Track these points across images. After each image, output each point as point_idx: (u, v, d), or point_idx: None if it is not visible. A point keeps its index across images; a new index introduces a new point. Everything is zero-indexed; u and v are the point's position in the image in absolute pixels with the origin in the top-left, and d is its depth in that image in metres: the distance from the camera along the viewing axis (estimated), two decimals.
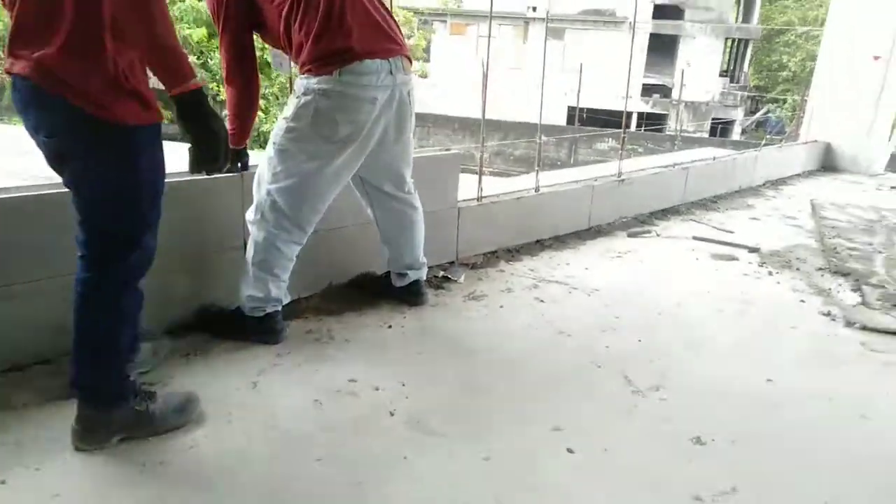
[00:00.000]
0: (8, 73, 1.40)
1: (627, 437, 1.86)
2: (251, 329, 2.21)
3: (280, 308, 2.25)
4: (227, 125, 2.04)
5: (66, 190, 1.53)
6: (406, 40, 2.25)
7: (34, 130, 1.46)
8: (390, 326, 2.41)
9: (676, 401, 2.05)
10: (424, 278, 2.63)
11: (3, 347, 1.86)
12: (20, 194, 1.85)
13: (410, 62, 2.23)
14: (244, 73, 2.12)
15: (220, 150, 1.51)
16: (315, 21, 2.00)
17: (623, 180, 3.91)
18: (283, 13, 2.03)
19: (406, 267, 2.54)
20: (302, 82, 2.05)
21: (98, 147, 1.44)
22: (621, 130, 4.20)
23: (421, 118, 18.25)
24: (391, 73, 2.11)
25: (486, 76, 3.25)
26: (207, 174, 1.60)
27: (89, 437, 1.61)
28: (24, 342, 1.89)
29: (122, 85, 1.41)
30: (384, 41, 2.12)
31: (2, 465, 1.55)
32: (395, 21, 2.22)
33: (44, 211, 1.85)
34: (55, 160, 1.50)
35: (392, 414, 1.88)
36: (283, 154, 2.07)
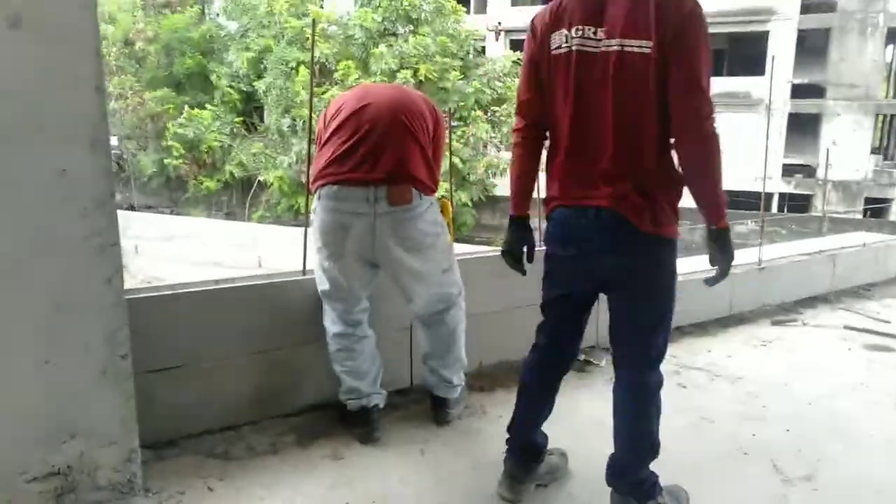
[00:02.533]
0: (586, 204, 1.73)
1: None
2: (343, 418, 2.32)
3: (367, 404, 2.27)
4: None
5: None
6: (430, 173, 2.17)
7: (600, 251, 1.73)
8: None
9: (829, 493, 2.05)
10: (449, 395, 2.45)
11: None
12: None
13: (408, 195, 2.10)
14: None
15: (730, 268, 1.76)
16: (320, 140, 2.21)
17: (763, 268, 3.89)
18: None
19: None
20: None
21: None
22: (759, 212, 4.15)
23: None
24: (368, 201, 2.07)
25: None
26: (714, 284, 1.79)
27: None
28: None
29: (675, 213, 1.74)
30: (365, 169, 2.07)
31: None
32: (421, 149, 2.16)
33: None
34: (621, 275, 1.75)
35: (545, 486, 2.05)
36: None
